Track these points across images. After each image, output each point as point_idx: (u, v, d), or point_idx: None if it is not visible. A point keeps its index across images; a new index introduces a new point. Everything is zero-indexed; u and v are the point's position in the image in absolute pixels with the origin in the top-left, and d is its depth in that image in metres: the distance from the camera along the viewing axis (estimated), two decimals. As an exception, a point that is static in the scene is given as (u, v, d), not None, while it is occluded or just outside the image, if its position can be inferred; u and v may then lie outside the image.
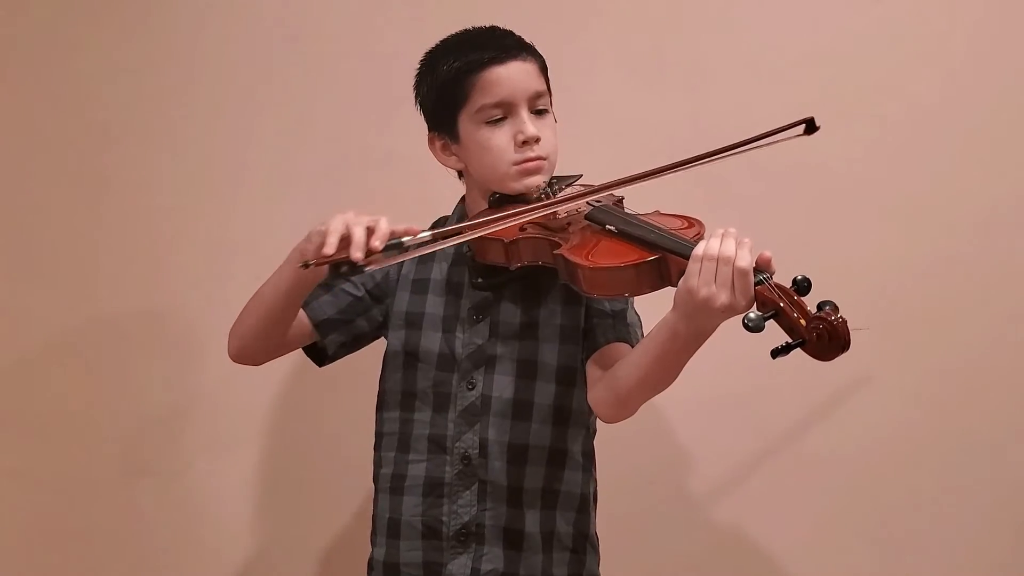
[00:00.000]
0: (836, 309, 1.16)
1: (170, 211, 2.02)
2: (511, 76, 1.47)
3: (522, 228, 1.41)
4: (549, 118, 1.51)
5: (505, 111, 1.47)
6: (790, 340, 1.17)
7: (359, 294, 1.56)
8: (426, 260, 1.56)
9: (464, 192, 1.59)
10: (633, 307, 1.53)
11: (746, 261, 1.21)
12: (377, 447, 1.56)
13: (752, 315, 1.17)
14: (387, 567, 1.51)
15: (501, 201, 1.49)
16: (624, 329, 1.49)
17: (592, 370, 1.47)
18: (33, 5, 2.03)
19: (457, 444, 1.48)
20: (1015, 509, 1.87)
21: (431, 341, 1.51)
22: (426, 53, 1.54)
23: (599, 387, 1.43)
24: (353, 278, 1.54)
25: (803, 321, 1.16)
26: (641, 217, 1.40)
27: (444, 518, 1.47)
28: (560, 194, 1.44)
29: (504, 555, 1.46)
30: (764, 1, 1.92)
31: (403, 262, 1.56)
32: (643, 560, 1.91)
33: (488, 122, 1.47)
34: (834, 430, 1.89)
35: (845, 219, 1.89)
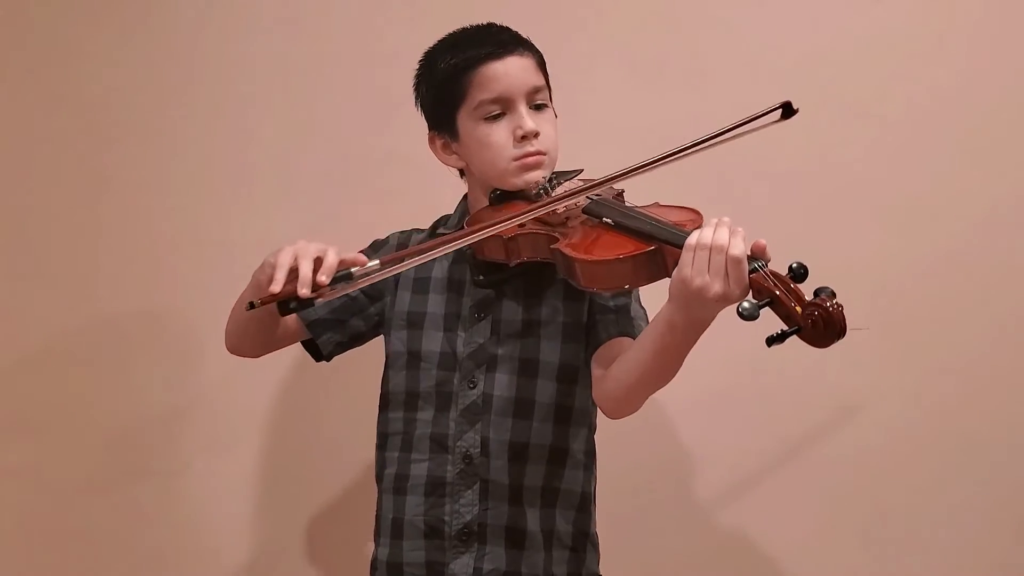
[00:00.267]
0: (833, 295, 1.15)
1: (170, 211, 2.02)
2: (508, 71, 1.47)
3: (521, 224, 1.41)
4: (548, 113, 1.51)
5: (503, 107, 1.47)
6: (786, 328, 1.16)
7: (353, 294, 1.55)
8: None
9: (466, 191, 1.58)
10: (638, 300, 1.52)
11: (739, 249, 1.19)
12: (380, 447, 1.56)
13: (746, 303, 1.16)
14: (390, 567, 1.51)
15: (502, 198, 1.49)
16: (627, 323, 1.48)
17: (595, 366, 1.46)
18: (33, 5, 2.03)
19: (459, 443, 1.48)
20: (1015, 509, 1.87)
21: (432, 341, 1.51)
22: (425, 53, 1.54)
23: (602, 383, 1.43)
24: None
25: (798, 308, 1.15)
26: (639, 209, 1.39)
27: (446, 518, 1.47)
28: (556, 190, 1.44)
29: (506, 554, 1.46)
30: (764, 1, 1.92)
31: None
32: (643, 559, 1.90)
33: (486, 118, 1.47)
34: (836, 429, 1.89)
35: (845, 219, 1.89)
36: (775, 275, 1.19)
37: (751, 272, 1.19)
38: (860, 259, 1.87)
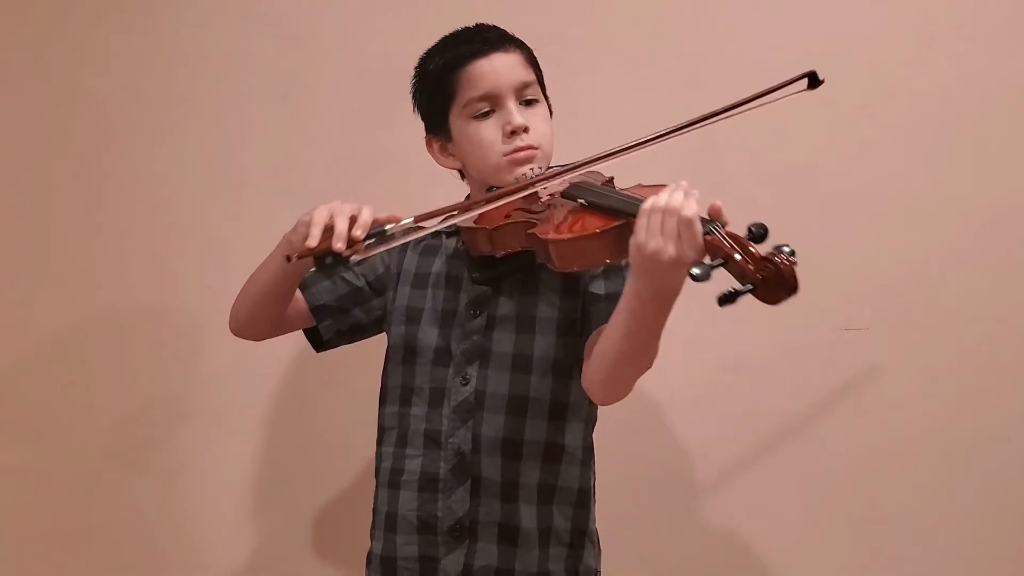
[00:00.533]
0: (790, 253, 1.11)
1: (169, 211, 2.02)
2: (494, 68, 1.47)
3: (507, 215, 1.40)
4: (540, 107, 1.51)
5: (492, 103, 1.48)
6: (739, 287, 1.12)
7: (359, 284, 1.57)
8: (427, 254, 1.57)
9: (467, 192, 1.59)
10: None
11: (692, 210, 1.16)
12: (379, 442, 1.56)
13: (696, 267, 1.11)
14: (384, 561, 1.51)
15: None
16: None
17: (586, 355, 1.45)
18: (33, 5, 2.03)
19: (451, 440, 1.48)
20: (1015, 509, 1.87)
21: (428, 336, 1.52)
22: (419, 58, 1.56)
23: (586, 368, 1.42)
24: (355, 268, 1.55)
25: (751, 266, 1.12)
26: (618, 190, 1.38)
27: (439, 513, 1.47)
28: (539, 175, 1.43)
29: (498, 551, 1.46)
30: (764, 1, 1.92)
31: (405, 255, 1.58)
32: (643, 555, 1.90)
33: (476, 116, 1.48)
34: (836, 426, 1.89)
35: (845, 219, 1.89)
36: (731, 235, 1.15)
37: (706, 234, 1.16)
38: (860, 259, 1.87)
